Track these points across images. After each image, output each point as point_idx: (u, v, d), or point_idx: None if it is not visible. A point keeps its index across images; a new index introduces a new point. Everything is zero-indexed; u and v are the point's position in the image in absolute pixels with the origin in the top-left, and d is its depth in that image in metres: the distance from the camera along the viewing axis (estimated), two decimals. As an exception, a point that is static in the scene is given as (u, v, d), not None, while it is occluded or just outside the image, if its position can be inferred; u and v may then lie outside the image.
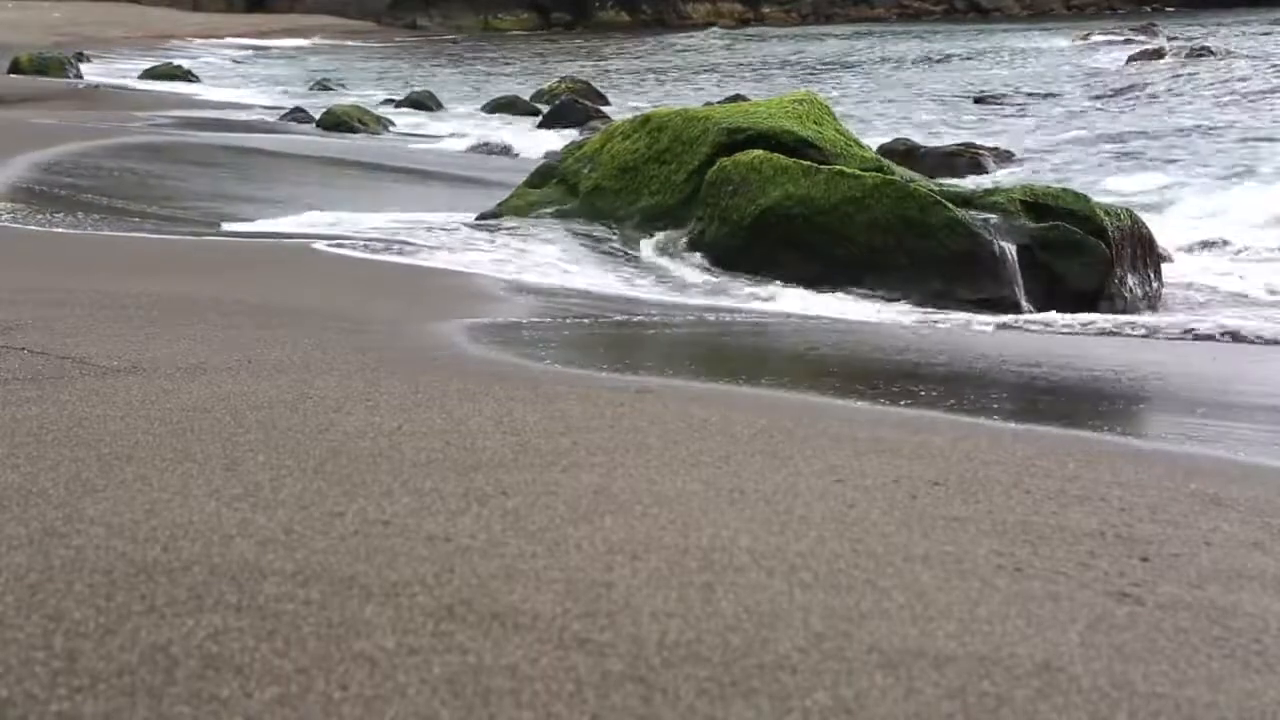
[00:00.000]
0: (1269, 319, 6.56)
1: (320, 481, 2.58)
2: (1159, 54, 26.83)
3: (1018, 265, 6.86)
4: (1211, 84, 21.37)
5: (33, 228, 7.23)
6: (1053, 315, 6.41)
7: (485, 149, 15.12)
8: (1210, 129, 15.83)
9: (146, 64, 28.53)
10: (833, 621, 2.01)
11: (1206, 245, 8.98)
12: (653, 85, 27.02)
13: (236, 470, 2.63)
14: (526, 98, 21.48)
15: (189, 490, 2.49)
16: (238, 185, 10.40)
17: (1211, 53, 26.06)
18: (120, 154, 11.15)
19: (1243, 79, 21.71)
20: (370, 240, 7.40)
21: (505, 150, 14.93)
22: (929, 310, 6.57)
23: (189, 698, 1.68)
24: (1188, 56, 25.76)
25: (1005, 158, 14.35)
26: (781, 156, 7.29)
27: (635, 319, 5.64)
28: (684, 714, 1.71)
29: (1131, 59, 26.90)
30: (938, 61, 31.60)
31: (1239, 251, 8.82)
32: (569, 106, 18.72)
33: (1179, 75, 23.19)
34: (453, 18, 55.08)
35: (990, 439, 3.41)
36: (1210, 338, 6.04)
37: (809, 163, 7.25)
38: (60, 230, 7.24)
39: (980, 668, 1.88)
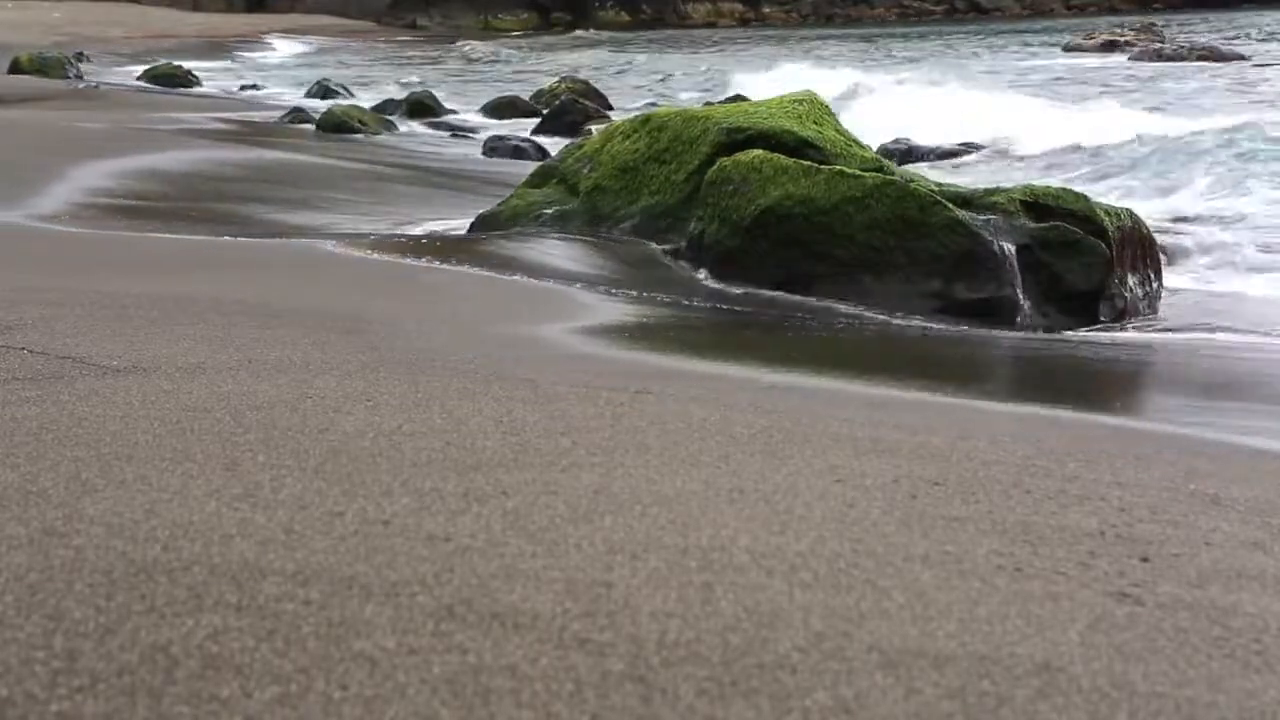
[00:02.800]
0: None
1: (320, 481, 2.58)
2: (1160, 55, 26.82)
3: (1017, 265, 6.86)
4: (1215, 85, 21.35)
5: (38, 225, 7.23)
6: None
7: (486, 149, 15.12)
8: (1215, 130, 15.79)
9: (145, 65, 28.52)
10: (833, 621, 2.01)
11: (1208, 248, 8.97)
12: (653, 85, 27.03)
13: (236, 470, 2.63)
14: (526, 98, 21.47)
15: (189, 490, 2.49)
16: (269, 189, 10.40)
17: (1220, 55, 26.02)
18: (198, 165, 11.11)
19: (1248, 80, 21.68)
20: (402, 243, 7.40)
21: (506, 150, 14.93)
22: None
23: (189, 698, 1.68)
24: (1191, 58, 25.73)
25: (1004, 158, 14.34)
26: (781, 156, 7.28)
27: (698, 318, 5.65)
28: (684, 714, 1.71)
29: (1132, 59, 26.90)
30: (937, 61, 31.58)
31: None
32: (569, 107, 18.72)
33: (1182, 76, 23.16)
34: (453, 17, 55.12)
35: (990, 439, 3.41)
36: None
37: (809, 163, 7.24)
38: (60, 229, 7.24)
39: (980, 667, 1.88)
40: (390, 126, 17.37)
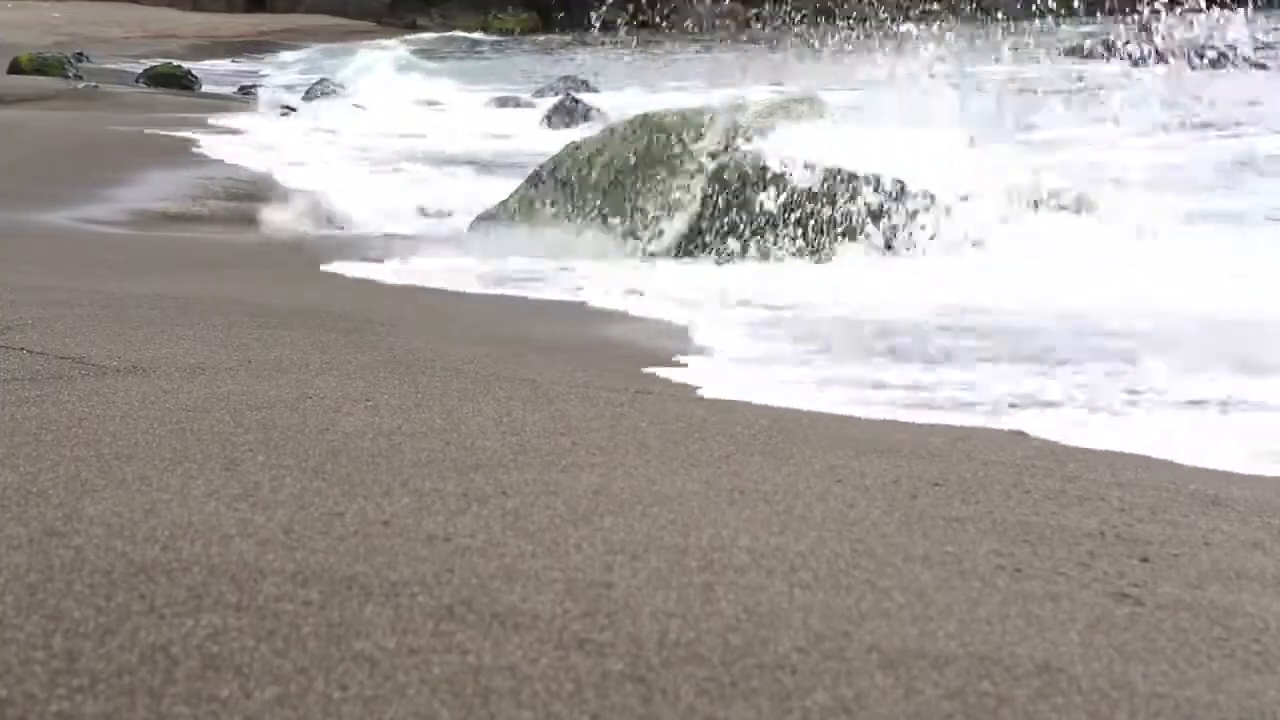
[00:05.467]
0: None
1: (320, 481, 2.58)
2: (1160, 56, 26.72)
3: (1017, 265, 6.86)
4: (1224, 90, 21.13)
5: (39, 218, 7.23)
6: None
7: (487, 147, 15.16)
8: (1219, 133, 15.62)
9: (145, 65, 28.46)
10: (833, 621, 2.01)
11: None
12: (653, 85, 27.01)
13: (236, 470, 2.63)
14: (527, 97, 21.49)
15: (189, 490, 2.49)
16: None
17: (1223, 58, 25.79)
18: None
19: (1255, 85, 21.38)
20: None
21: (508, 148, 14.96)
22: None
23: (189, 698, 1.68)
24: (1194, 64, 25.53)
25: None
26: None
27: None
28: (684, 714, 1.71)
29: (1131, 63, 26.80)
30: (939, 61, 31.52)
31: None
32: (570, 106, 18.74)
33: (1186, 80, 22.97)
34: (453, 18, 55.08)
35: (990, 439, 3.41)
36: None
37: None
38: (59, 223, 7.25)
39: (980, 668, 1.88)
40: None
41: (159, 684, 1.71)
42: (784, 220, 6.94)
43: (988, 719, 1.74)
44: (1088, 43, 29.03)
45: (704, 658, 1.86)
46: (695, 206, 7.23)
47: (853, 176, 6.96)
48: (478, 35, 50.38)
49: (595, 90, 21.91)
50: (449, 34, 49.56)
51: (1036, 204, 7.08)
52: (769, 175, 7.04)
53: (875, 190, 6.91)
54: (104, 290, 4.94)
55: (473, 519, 2.39)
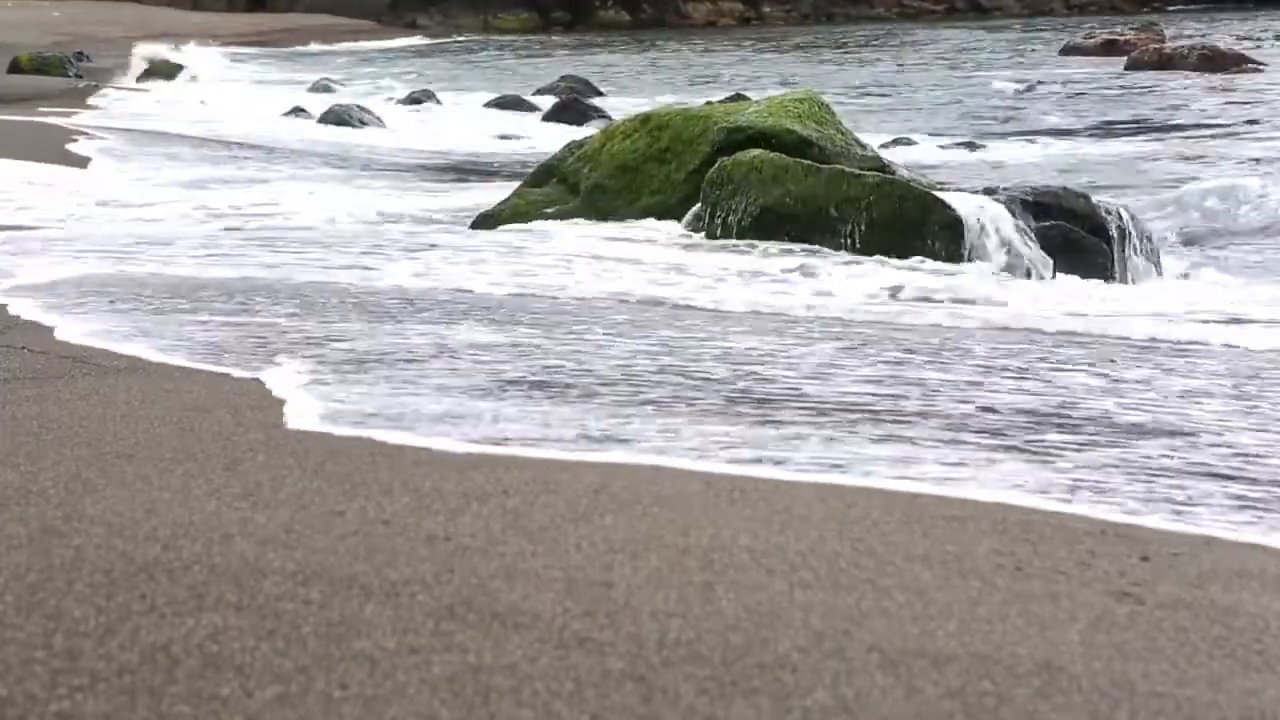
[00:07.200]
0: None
1: (320, 481, 2.58)
2: (1160, 55, 26.65)
3: (1018, 264, 6.86)
4: (1223, 91, 21.10)
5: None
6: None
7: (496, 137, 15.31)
8: (1223, 137, 15.57)
9: (145, 64, 28.42)
10: (833, 621, 2.01)
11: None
12: (653, 84, 27.02)
13: (236, 470, 2.63)
14: (526, 96, 21.51)
15: (189, 490, 2.49)
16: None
17: (1224, 57, 25.67)
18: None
19: (1261, 87, 21.24)
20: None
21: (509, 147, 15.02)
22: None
23: (189, 697, 1.68)
24: (1192, 58, 25.45)
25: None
26: (782, 156, 7.29)
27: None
28: (684, 714, 1.71)
29: (1129, 67, 26.69)
30: (940, 61, 31.53)
31: None
32: (570, 105, 18.75)
33: (1186, 81, 22.97)
34: (453, 18, 55.10)
35: (990, 438, 3.41)
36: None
37: (810, 162, 7.24)
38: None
39: (980, 667, 1.88)
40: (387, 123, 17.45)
41: (160, 683, 1.71)
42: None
43: (988, 718, 1.74)
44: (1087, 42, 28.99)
45: (704, 657, 1.86)
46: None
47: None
48: (476, 37, 50.45)
49: (601, 93, 21.97)
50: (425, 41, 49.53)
51: None
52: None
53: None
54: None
55: (473, 519, 2.39)
